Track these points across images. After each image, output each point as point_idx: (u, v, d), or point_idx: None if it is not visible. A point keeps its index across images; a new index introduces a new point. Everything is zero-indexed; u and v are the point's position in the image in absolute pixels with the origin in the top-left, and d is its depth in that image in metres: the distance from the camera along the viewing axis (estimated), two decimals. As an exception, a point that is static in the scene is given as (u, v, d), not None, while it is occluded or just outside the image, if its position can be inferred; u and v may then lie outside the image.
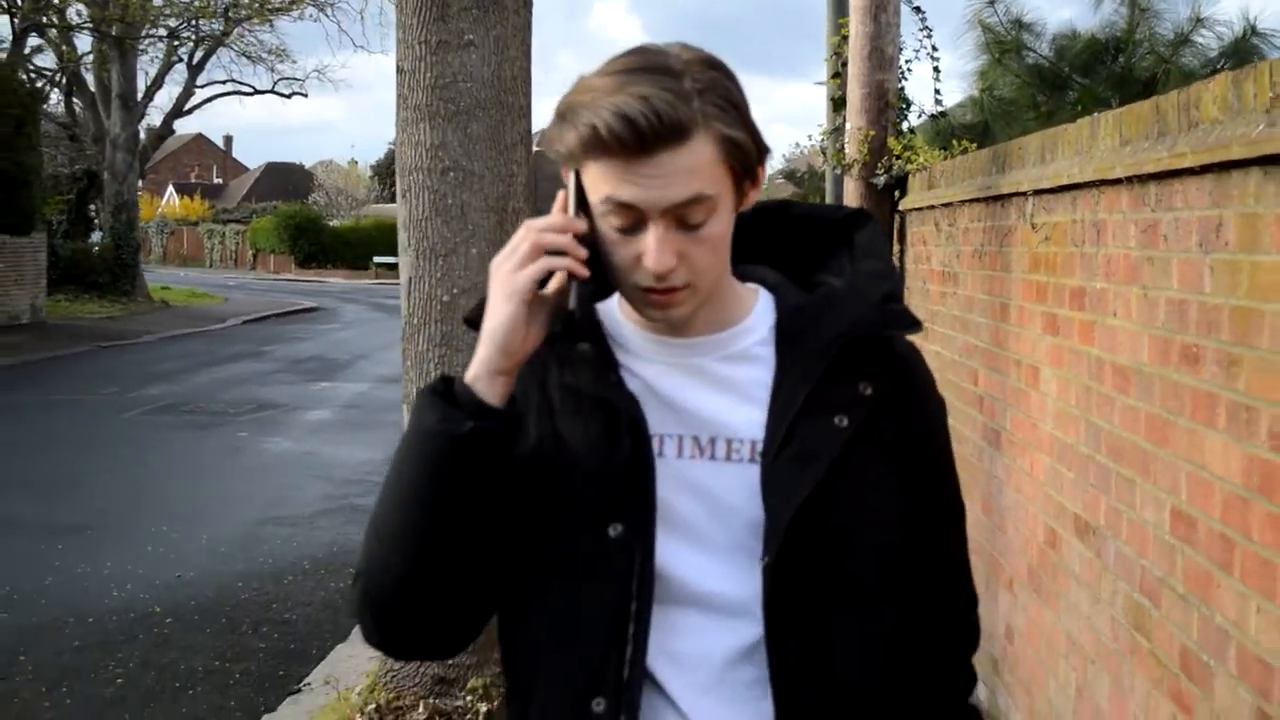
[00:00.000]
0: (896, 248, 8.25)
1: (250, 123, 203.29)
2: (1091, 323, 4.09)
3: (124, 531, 9.77)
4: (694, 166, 1.64)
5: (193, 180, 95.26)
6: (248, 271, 66.65)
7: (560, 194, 1.75)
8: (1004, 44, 9.59)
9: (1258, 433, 2.86)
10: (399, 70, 5.57)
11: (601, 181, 1.67)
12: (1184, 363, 3.31)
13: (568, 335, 1.78)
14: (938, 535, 1.91)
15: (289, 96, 44.16)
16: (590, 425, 1.76)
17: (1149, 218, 3.56)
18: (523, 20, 5.66)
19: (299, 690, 6.54)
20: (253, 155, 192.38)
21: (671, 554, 1.74)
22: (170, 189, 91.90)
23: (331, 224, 67.19)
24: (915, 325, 1.82)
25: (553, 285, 1.68)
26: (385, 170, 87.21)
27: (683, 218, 1.66)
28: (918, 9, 8.84)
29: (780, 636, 1.72)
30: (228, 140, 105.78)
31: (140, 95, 37.20)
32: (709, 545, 1.75)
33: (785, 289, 1.90)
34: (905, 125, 8.54)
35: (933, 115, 8.88)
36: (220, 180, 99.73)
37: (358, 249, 62.84)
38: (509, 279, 1.68)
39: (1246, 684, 2.93)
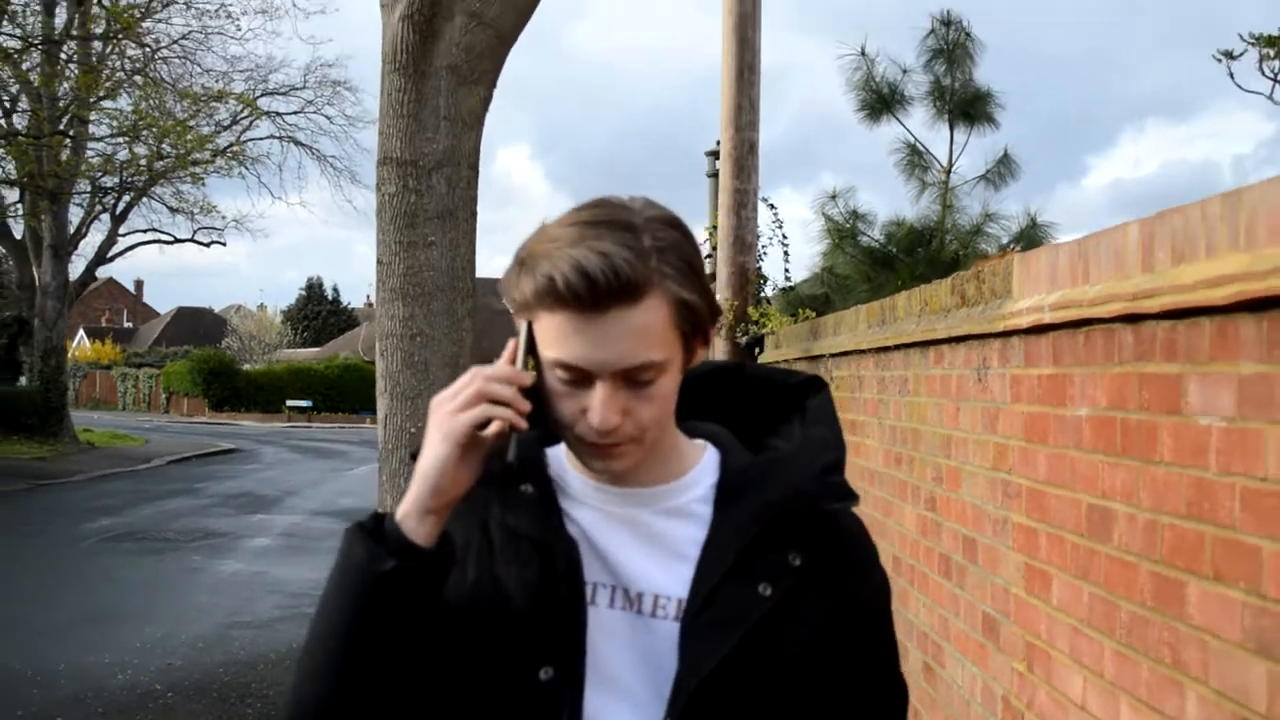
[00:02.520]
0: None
1: (155, 266, 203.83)
2: (859, 443, 6.15)
3: (113, 632, 11.37)
4: (645, 328, 1.65)
5: (103, 324, 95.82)
6: (161, 414, 67.37)
7: (511, 343, 1.76)
8: (842, 231, 11.91)
9: (920, 499, 4.91)
10: (379, 262, 7.59)
11: (553, 339, 1.67)
12: (895, 464, 5.36)
13: (508, 480, 1.80)
14: (872, 716, 1.89)
15: (209, 245, 45.54)
16: (527, 568, 1.77)
17: (880, 375, 5.63)
18: (470, 225, 7.71)
19: (289, 738, 8.27)
20: (158, 298, 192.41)
21: (596, 704, 1.74)
22: (81, 332, 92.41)
23: (244, 368, 68.25)
24: (851, 498, 1.84)
25: (492, 429, 1.69)
26: (296, 315, 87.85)
27: (630, 378, 1.67)
28: (771, 206, 11.21)
29: None
30: (138, 284, 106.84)
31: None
32: (632, 699, 1.75)
33: (733, 449, 1.90)
34: (762, 296, 10.81)
35: (783, 289, 11.13)
36: (130, 324, 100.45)
37: (270, 393, 64.02)
38: (448, 420, 1.69)
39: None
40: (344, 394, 64.00)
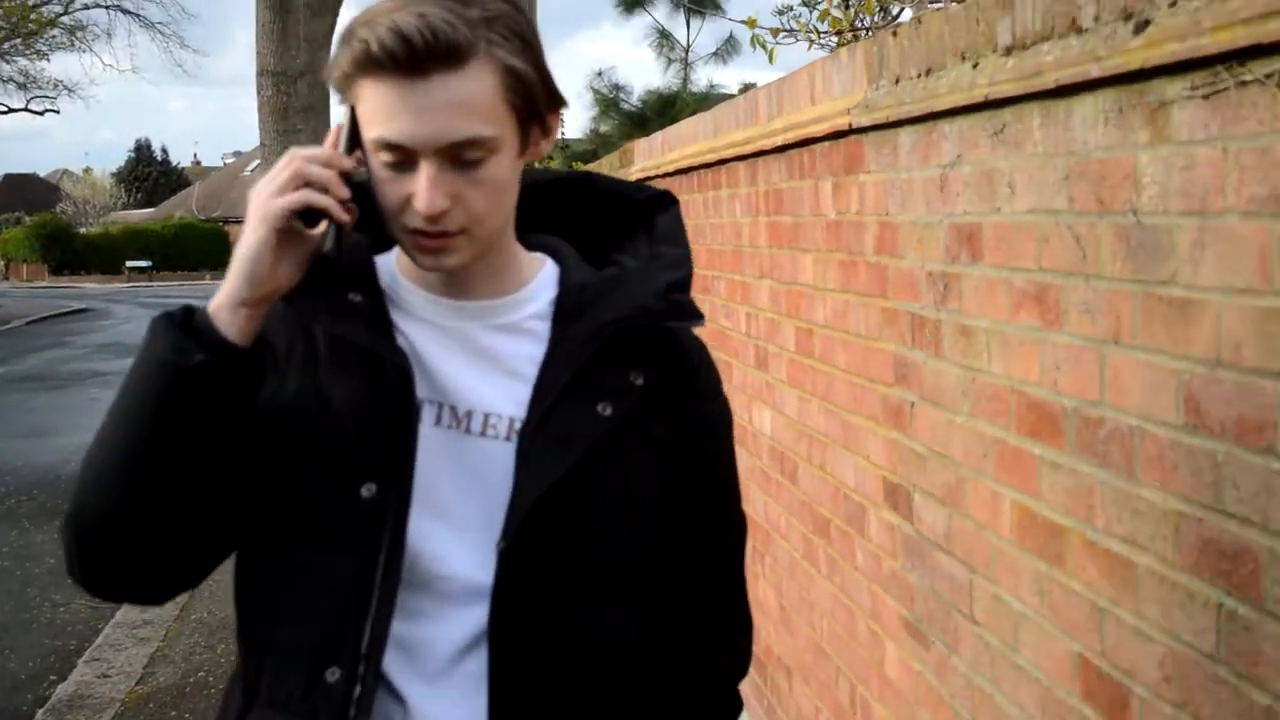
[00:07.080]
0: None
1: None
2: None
3: (50, 441, 13.99)
4: (470, 98, 1.52)
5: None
6: (1, 280, 67.54)
7: (334, 128, 1.63)
8: (607, 100, 15.17)
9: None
10: (262, 144, 10.59)
11: (373, 116, 1.54)
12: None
13: (336, 284, 1.65)
14: (708, 546, 1.83)
15: (42, 114, 46.77)
16: (355, 379, 1.64)
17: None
18: (327, 116, 10.68)
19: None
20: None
21: (419, 528, 1.62)
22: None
23: (81, 231, 68.75)
24: (697, 318, 1.72)
25: (320, 228, 1.57)
26: (128, 177, 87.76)
27: (457, 157, 1.53)
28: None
29: (505, 627, 1.62)
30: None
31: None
32: (457, 523, 1.64)
33: (574, 263, 1.79)
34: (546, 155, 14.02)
35: (560, 146, 14.41)
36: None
37: (109, 255, 64.68)
38: (264, 204, 1.54)
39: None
40: (182, 252, 65.25)
